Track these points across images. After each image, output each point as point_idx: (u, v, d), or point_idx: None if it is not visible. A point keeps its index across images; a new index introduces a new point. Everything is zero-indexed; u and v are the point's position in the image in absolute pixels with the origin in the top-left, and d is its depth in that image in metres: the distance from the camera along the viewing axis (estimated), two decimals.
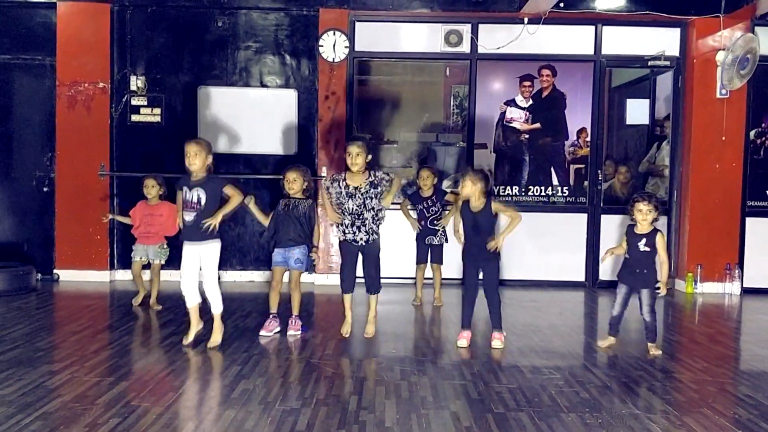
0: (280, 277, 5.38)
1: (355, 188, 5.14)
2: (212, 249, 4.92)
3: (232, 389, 4.06)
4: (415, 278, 6.78)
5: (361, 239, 5.19)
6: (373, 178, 5.15)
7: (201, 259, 4.91)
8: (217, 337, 4.95)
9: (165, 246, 6.30)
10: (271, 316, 5.40)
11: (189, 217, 4.87)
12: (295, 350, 4.96)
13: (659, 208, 5.00)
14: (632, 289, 5.03)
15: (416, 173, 6.81)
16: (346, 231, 5.21)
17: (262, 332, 5.32)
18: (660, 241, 4.93)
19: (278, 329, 5.38)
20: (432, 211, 6.48)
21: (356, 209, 5.15)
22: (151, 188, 6.21)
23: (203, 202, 4.84)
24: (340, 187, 5.17)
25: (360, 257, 5.30)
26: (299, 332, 5.37)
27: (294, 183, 5.32)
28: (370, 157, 5.14)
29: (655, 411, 3.83)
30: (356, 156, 5.05)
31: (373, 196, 5.14)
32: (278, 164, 7.72)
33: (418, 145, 9.11)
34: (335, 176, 5.28)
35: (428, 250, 6.57)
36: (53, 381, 4.12)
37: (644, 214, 4.91)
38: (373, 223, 5.19)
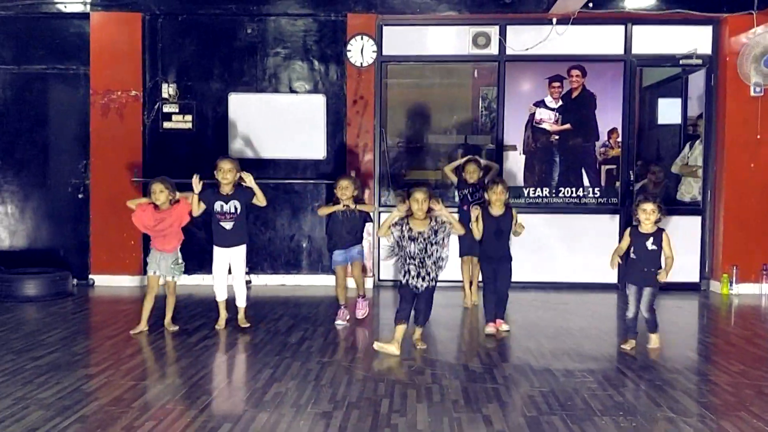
0: (343, 273, 5.99)
1: (419, 233, 4.98)
2: (241, 251, 5.73)
3: (264, 392, 4.10)
4: (462, 275, 6.71)
5: (422, 286, 5.02)
6: (435, 223, 5.00)
7: (231, 260, 5.71)
8: (244, 323, 5.69)
9: (180, 261, 5.67)
10: (342, 307, 5.95)
11: (228, 225, 5.62)
12: (327, 353, 4.99)
13: (663, 209, 5.13)
14: (640, 288, 5.19)
15: (463, 167, 6.82)
16: (409, 278, 5.03)
17: (338, 321, 5.88)
18: (666, 240, 5.12)
19: (348, 316, 5.95)
20: (476, 196, 6.59)
21: (418, 254, 4.99)
22: (159, 194, 5.45)
23: (239, 210, 5.63)
24: (403, 231, 5.01)
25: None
26: (366, 311, 6.14)
27: (346, 190, 5.82)
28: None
29: (690, 414, 3.78)
30: (422, 202, 4.93)
31: (434, 242, 4.99)
32: (308, 169, 7.77)
33: (447, 147, 9.09)
34: (399, 221, 5.07)
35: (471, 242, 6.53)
36: (90, 384, 4.20)
37: (648, 214, 5.08)
38: (434, 268, 5.04)
